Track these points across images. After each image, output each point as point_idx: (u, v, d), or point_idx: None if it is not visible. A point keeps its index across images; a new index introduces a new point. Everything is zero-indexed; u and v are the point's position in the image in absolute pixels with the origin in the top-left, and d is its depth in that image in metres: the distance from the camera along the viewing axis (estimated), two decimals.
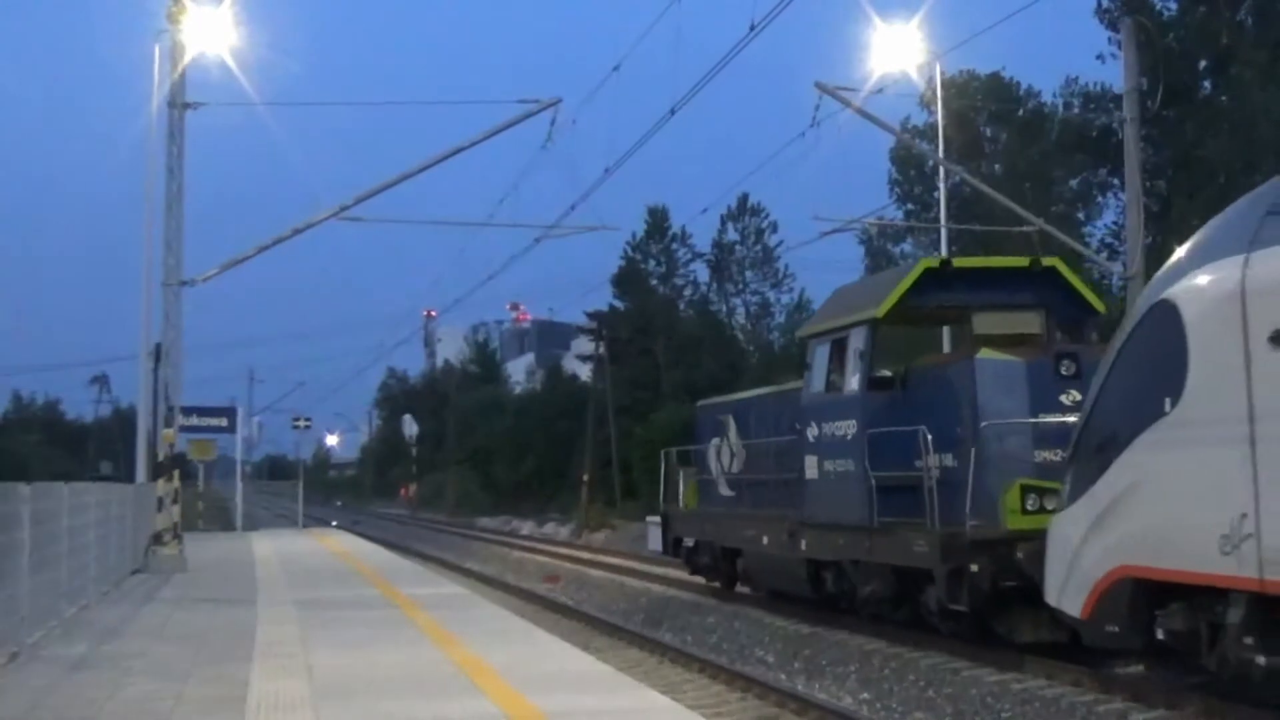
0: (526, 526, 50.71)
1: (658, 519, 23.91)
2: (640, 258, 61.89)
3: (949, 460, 13.40)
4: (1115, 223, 36.26)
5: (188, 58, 21.36)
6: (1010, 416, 12.98)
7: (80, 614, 13.37)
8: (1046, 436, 12.70)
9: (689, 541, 21.24)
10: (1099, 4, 35.32)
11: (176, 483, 21.34)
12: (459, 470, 75.10)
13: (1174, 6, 34.70)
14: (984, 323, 14.44)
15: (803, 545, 16.06)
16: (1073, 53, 42.21)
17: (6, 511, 10.05)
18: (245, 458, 54.88)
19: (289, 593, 16.05)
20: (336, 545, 28.58)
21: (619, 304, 61.00)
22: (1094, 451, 10.37)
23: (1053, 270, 14.81)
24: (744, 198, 59.23)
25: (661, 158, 44.38)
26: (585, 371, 63.23)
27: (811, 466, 15.65)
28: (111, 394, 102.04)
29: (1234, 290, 8.74)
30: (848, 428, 14.76)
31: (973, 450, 12.88)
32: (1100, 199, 39.14)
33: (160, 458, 21.50)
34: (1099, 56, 35.29)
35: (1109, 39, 34.13)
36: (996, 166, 39.73)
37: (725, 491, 19.90)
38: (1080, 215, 38.93)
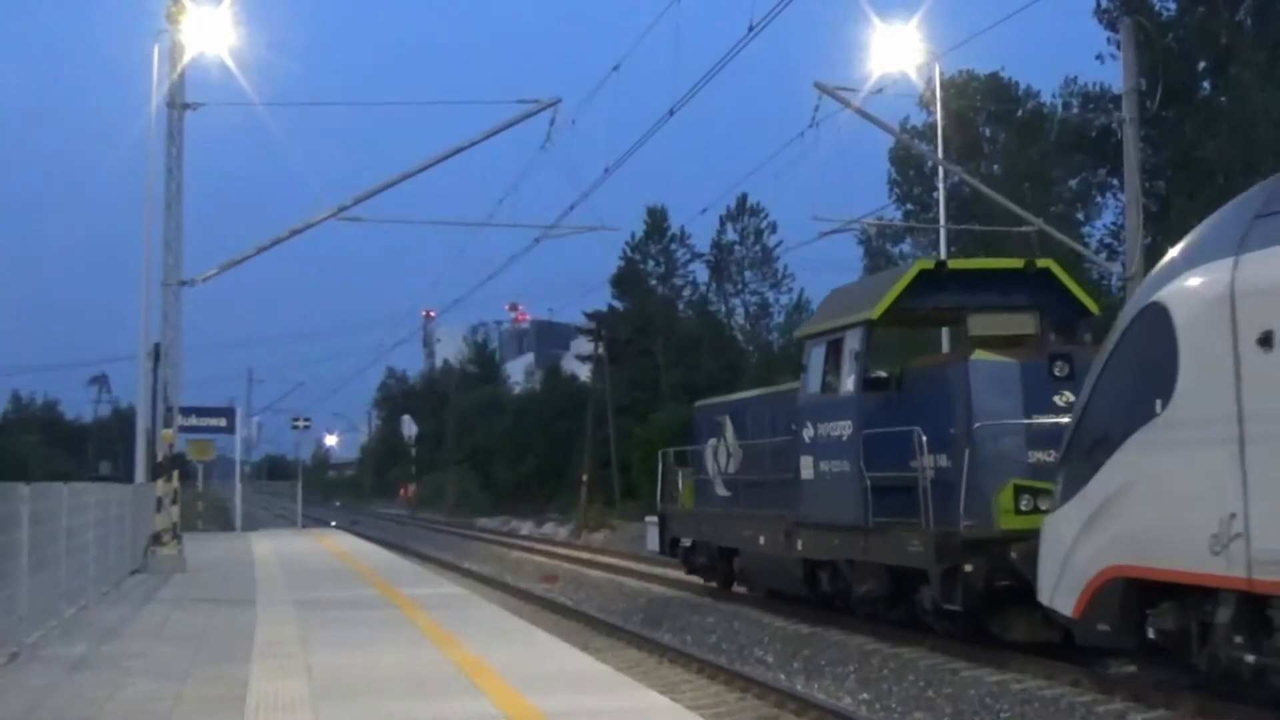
0: (525, 526, 50.71)
1: (656, 519, 23.94)
2: (639, 258, 61.90)
3: (943, 461, 13.46)
4: (1114, 223, 36.35)
5: (187, 58, 21.37)
6: (1004, 417, 13.06)
7: (79, 614, 13.37)
8: (1040, 437, 12.77)
9: (686, 541, 21.31)
10: (1098, 4, 35.40)
11: (176, 483, 21.34)
12: (458, 470, 75.11)
13: (1173, 7, 34.75)
14: (979, 324, 14.50)
15: (799, 545, 16.12)
16: (1072, 53, 42.23)
17: (6, 511, 10.05)
18: (244, 458, 54.97)
19: (288, 593, 16.05)
20: (335, 545, 28.58)
21: (618, 304, 61.03)
22: (1086, 452, 10.46)
23: (1047, 272, 14.90)
24: (743, 198, 59.33)
25: (661, 158, 44.37)
26: (584, 372, 63.25)
27: (807, 467, 15.73)
28: (111, 394, 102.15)
29: (1223, 293, 8.83)
30: (843, 428, 14.83)
31: (967, 451, 12.98)
32: (1099, 199, 39.25)
33: (159, 458, 21.50)
34: (1098, 57, 35.39)
35: (1108, 39, 34.22)
36: (995, 167, 39.77)
37: (722, 492, 19.96)
38: (1079, 215, 39.01)
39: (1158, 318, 9.55)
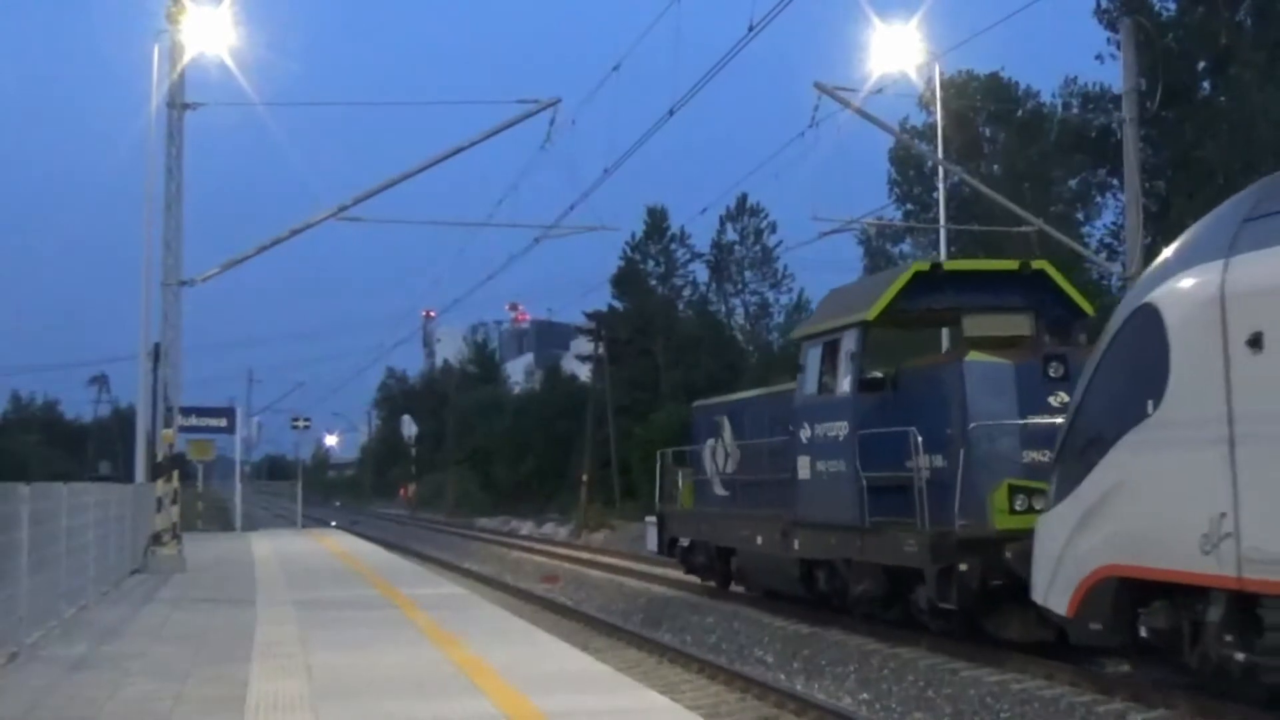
0: (525, 527, 50.71)
1: (655, 519, 23.97)
2: (639, 258, 61.90)
3: (939, 461, 13.54)
4: (1114, 223, 36.35)
5: (187, 58, 21.36)
6: (999, 418, 13.14)
7: (79, 614, 13.37)
8: (1034, 437, 12.85)
9: (684, 541, 21.39)
10: (1098, 4, 35.41)
11: (175, 483, 21.34)
12: (458, 470, 75.10)
13: (1173, 7, 34.75)
14: (974, 325, 14.60)
15: (796, 545, 16.20)
16: (1072, 53, 42.28)
17: (5, 512, 10.05)
18: (244, 458, 54.94)
19: (288, 593, 16.05)
20: (335, 545, 28.58)
21: (618, 304, 61.03)
22: (1079, 452, 10.56)
23: (1042, 273, 14.99)
24: (743, 198, 59.34)
25: (661, 158, 44.37)
26: (584, 372, 63.24)
27: (804, 467, 15.81)
28: (111, 394, 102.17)
29: (1213, 295, 8.95)
30: (839, 429, 14.91)
31: (962, 451, 13.05)
32: (1099, 199, 39.26)
33: (159, 458, 21.49)
34: (1098, 57, 35.40)
35: (1108, 39, 34.23)
36: (995, 167, 39.78)
37: (720, 491, 20.05)
38: (1079, 215, 39.03)
39: (1150, 319, 9.67)
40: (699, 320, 59.50)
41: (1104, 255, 33.02)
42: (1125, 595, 9.98)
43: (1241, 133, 30.22)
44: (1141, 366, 9.71)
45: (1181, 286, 9.42)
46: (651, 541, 22.89)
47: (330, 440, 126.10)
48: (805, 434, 15.80)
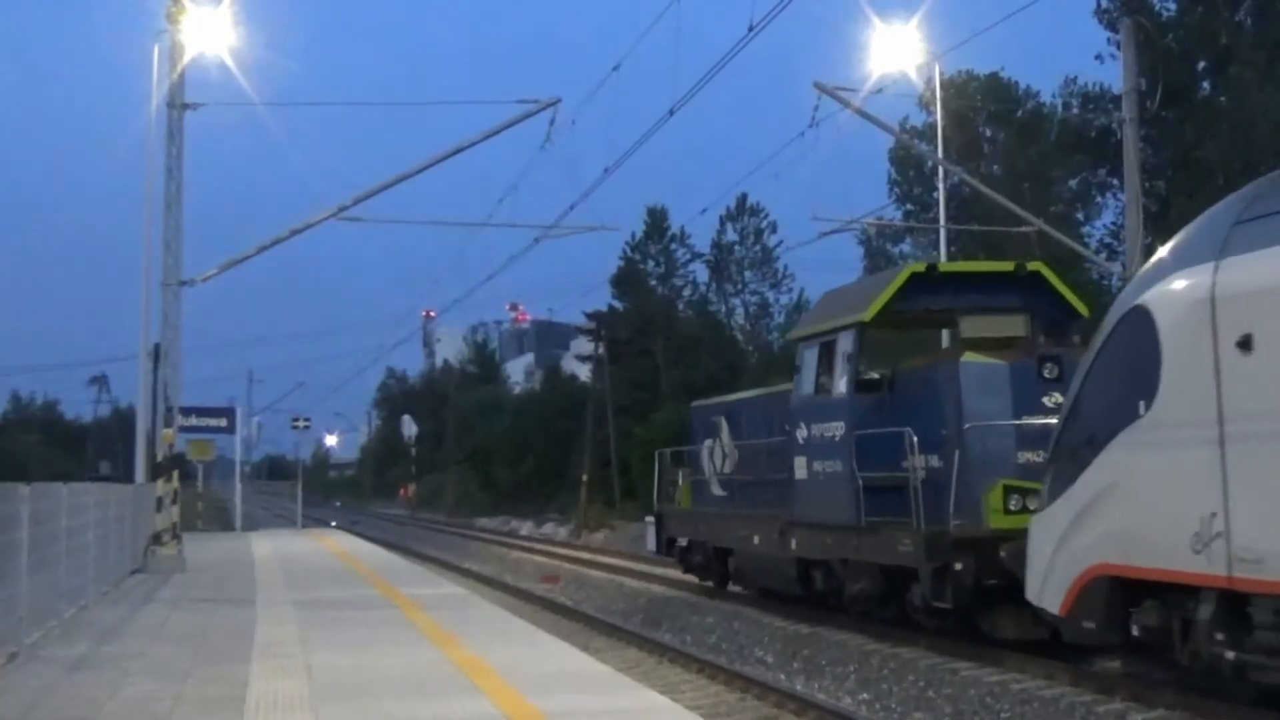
0: (525, 527, 50.71)
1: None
2: (639, 258, 61.90)
3: (934, 461, 13.63)
4: (1114, 223, 36.32)
5: (187, 58, 21.36)
6: (994, 418, 13.22)
7: (79, 614, 13.37)
8: (1029, 438, 12.94)
9: (682, 541, 21.49)
10: (1098, 4, 35.38)
11: (175, 483, 21.33)
12: (458, 470, 75.09)
13: (1173, 7, 34.73)
14: (970, 326, 14.71)
15: (792, 544, 16.29)
16: (1072, 53, 42.24)
17: (5, 512, 10.05)
18: (244, 458, 54.95)
19: (288, 593, 16.05)
20: (335, 545, 28.58)
21: (618, 304, 61.02)
22: (1072, 452, 10.67)
23: (1037, 274, 15.10)
24: (743, 198, 59.34)
25: (661, 158, 44.40)
26: (584, 372, 63.23)
27: (801, 467, 15.91)
28: (110, 394, 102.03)
29: (1204, 297, 9.06)
30: (836, 429, 15.02)
31: (957, 451, 13.14)
32: (1099, 199, 39.23)
33: (159, 458, 21.49)
34: (1098, 57, 35.39)
35: (1108, 39, 34.21)
36: (995, 167, 39.75)
37: (718, 491, 20.14)
38: (1079, 215, 39.01)
39: (1141, 320, 9.79)
40: (699, 320, 59.50)
41: (1104, 255, 33.02)
42: (1117, 594, 10.09)
43: (1241, 133, 30.21)
44: (1134, 367, 9.82)
45: (1173, 288, 9.54)
46: (651, 541, 22.96)
47: (330, 440, 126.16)
48: (802, 434, 15.89)
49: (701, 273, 62.33)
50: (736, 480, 19.24)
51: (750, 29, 17.14)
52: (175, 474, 21.51)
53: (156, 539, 20.58)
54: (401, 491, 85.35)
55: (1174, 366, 9.33)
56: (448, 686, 8.75)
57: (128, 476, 38.22)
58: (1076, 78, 38.46)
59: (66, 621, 12.56)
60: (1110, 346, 10.40)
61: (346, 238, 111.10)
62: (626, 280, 61.09)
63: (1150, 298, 9.78)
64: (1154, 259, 10.48)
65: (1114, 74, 29.41)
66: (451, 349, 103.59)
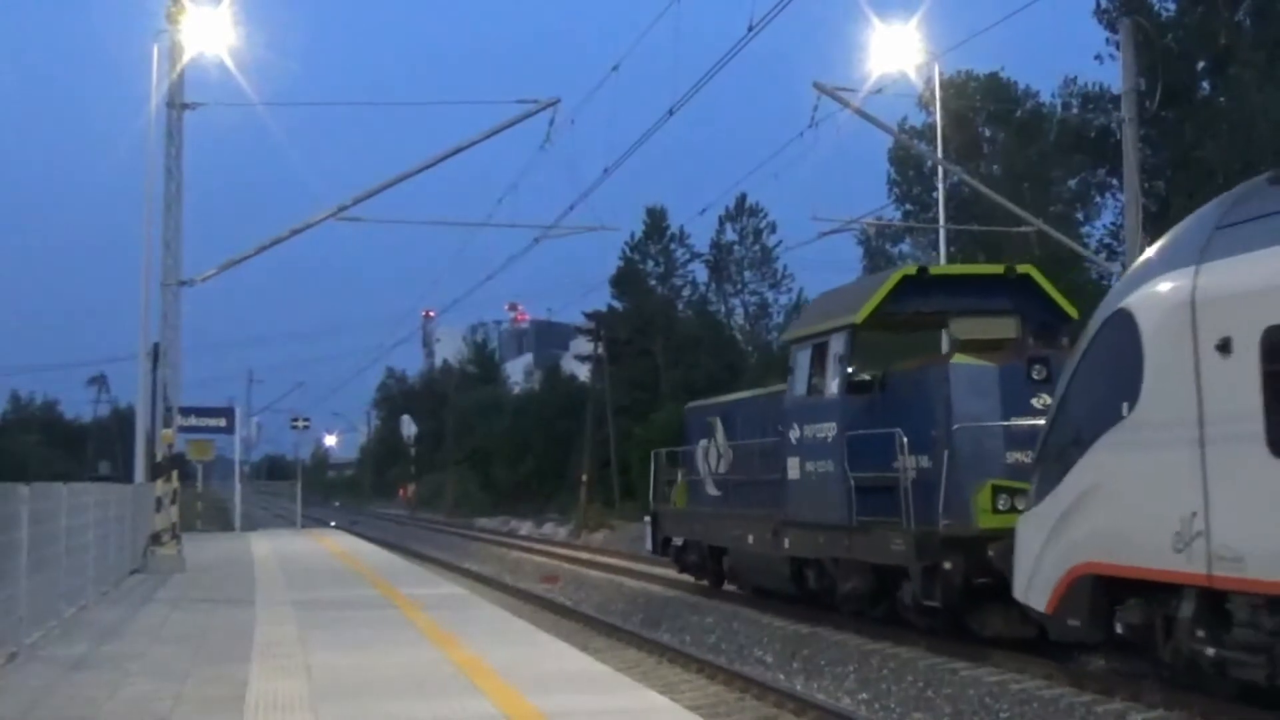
0: (525, 527, 50.70)
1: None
2: (639, 258, 61.90)
3: (924, 461, 13.77)
4: (1113, 223, 36.31)
5: (186, 58, 21.37)
6: (983, 419, 13.36)
7: (79, 614, 13.37)
8: (1018, 438, 13.05)
9: (678, 540, 21.65)
10: (1097, 4, 35.37)
11: (175, 483, 21.34)
12: (457, 470, 75.09)
13: (1172, 7, 34.73)
14: (961, 328, 14.95)
15: (786, 544, 16.48)
16: (1071, 53, 42.21)
17: (5, 512, 10.05)
18: (244, 458, 54.92)
19: (287, 593, 16.05)
20: (335, 545, 28.58)
21: (617, 304, 61.03)
22: (1058, 453, 10.85)
23: (1027, 277, 15.31)
24: (742, 198, 59.33)
25: (661, 158, 44.38)
26: (584, 372, 63.22)
27: (794, 467, 16.09)
28: (110, 394, 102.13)
29: (1185, 300, 9.26)
30: (828, 430, 15.19)
31: (946, 452, 13.28)
32: (1098, 199, 39.22)
33: (159, 458, 21.49)
34: (1097, 57, 35.37)
35: (1107, 39, 34.20)
36: (995, 167, 39.74)
37: (713, 492, 20.35)
38: (1079, 215, 39.00)
39: (1125, 323, 9.97)
40: (698, 320, 59.51)
41: (1103, 255, 32.99)
42: (1102, 592, 10.29)
43: (1241, 133, 30.20)
44: (1117, 369, 10.00)
45: (1155, 292, 9.73)
46: (650, 541, 23.06)
47: (330, 440, 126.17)
48: (795, 435, 16.08)
49: (701, 273, 62.47)
50: (731, 480, 19.45)
51: (750, 29, 17.17)
52: (174, 474, 21.52)
53: (156, 539, 20.58)
54: (401, 491, 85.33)
55: (1156, 369, 9.52)
56: (447, 686, 8.75)
57: (127, 476, 38.21)
58: (1076, 78, 38.47)
59: (66, 621, 12.56)
60: (1095, 348, 10.58)
61: (346, 238, 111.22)
62: (626, 280, 61.09)
63: (1133, 301, 9.97)
64: (1139, 261, 10.69)
65: (1113, 74, 29.41)
66: (451, 349, 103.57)
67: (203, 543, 27.33)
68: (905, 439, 13.71)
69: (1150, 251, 10.51)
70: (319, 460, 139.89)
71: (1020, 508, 11.98)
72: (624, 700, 8.32)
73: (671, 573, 22.95)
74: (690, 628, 17.08)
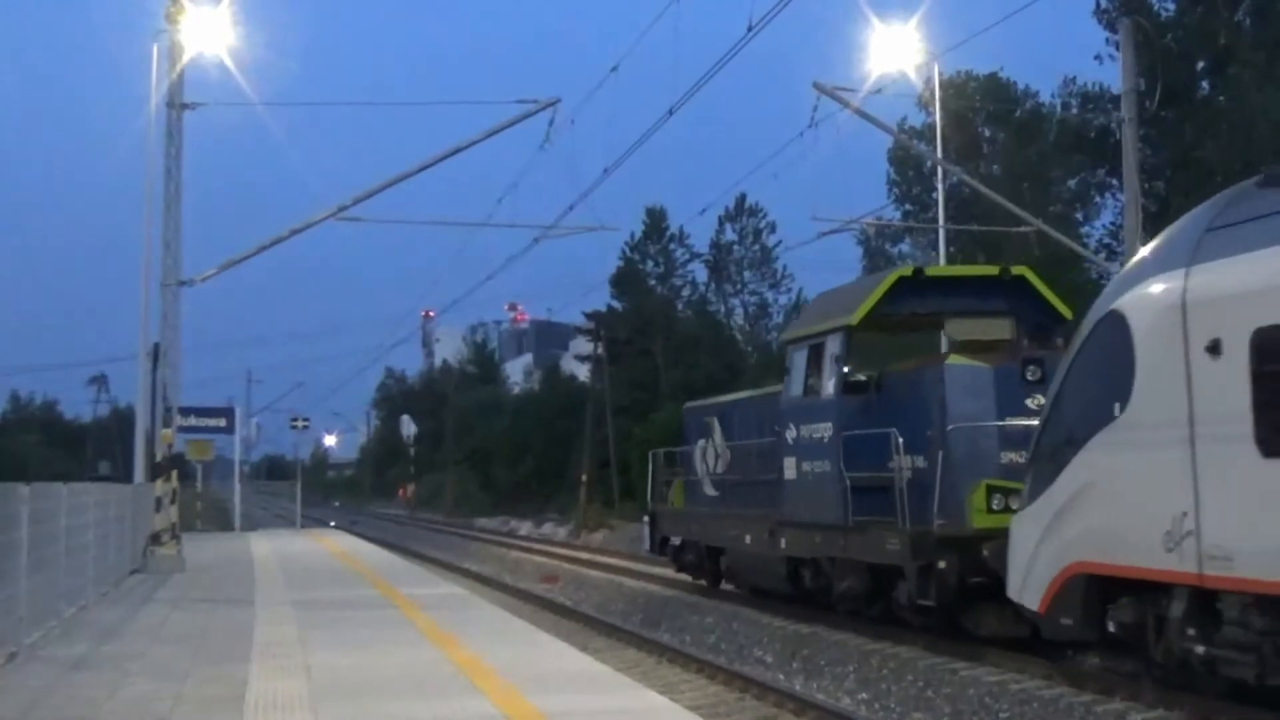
0: (525, 527, 50.70)
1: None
2: (638, 258, 61.90)
3: (919, 461, 13.84)
4: (1113, 223, 36.30)
5: (186, 58, 21.37)
6: (978, 420, 13.42)
7: (79, 614, 13.37)
8: (1012, 439, 13.13)
9: (675, 540, 21.73)
10: (1097, 4, 35.37)
11: (175, 483, 21.34)
12: (457, 470, 75.08)
13: (1172, 7, 34.72)
14: (956, 329, 15.08)
15: (782, 543, 16.56)
16: (1071, 53, 42.24)
17: (5, 512, 10.05)
18: (243, 458, 54.87)
19: (287, 593, 16.05)
20: (335, 545, 28.58)
21: (617, 304, 61.03)
22: (1051, 453, 10.94)
23: (1022, 279, 15.42)
24: (742, 198, 59.33)
25: (660, 158, 44.37)
26: (583, 372, 63.21)
27: (790, 467, 16.17)
28: (110, 394, 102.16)
29: (1175, 303, 9.37)
30: (824, 430, 15.26)
31: (941, 452, 13.34)
32: (1098, 199, 39.22)
33: (158, 458, 21.49)
34: (1097, 57, 35.37)
35: (1107, 39, 34.21)
36: (995, 167, 39.74)
37: (710, 492, 20.44)
38: (1078, 215, 38.99)
39: (1117, 325, 10.08)
40: (698, 320, 59.50)
41: (1103, 255, 32.99)
42: (1094, 591, 10.38)
43: (1241, 133, 30.20)
44: (1109, 370, 10.09)
45: (1146, 293, 9.83)
46: (649, 541, 23.12)
47: (329, 440, 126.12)
48: (791, 435, 16.15)
49: (701, 273, 62.48)
50: (728, 480, 19.53)
51: (749, 29, 17.17)
52: (174, 474, 21.52)
53: (155, 539, 20.58)
54: (400, 491, 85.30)
55: (1147, 369, 9.62)
56: (447, 686, 8.75)
57: (127, 476, 38.21)
58: (1075, 78, 38.46)
59: (66, 621, 12.56)
60: (1087, 349, 10.68)
61: (346, 238, 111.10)
62: (626, 280, 61.08)
63: (1125, 302, 10.07)
64: (1132, 262, 10.83)
65: (1113, 74, 29.42)
66: (451, 349, 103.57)
67: (202, 543, 27.33)
68: (900, 439, 13.79)
69: (1142, 253, 10.63)
70: (319, 460, 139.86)
71: (1014, 507, 12.06)
72: (624, 700, 8.33)
73: (671, 572, 22.96)
74: (690, 628, 17.09)
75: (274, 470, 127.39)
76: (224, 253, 22.35)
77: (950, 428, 13.37)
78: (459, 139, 22.32)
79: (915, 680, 12.27)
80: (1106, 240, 36.72)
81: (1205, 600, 9.25)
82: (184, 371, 23.54)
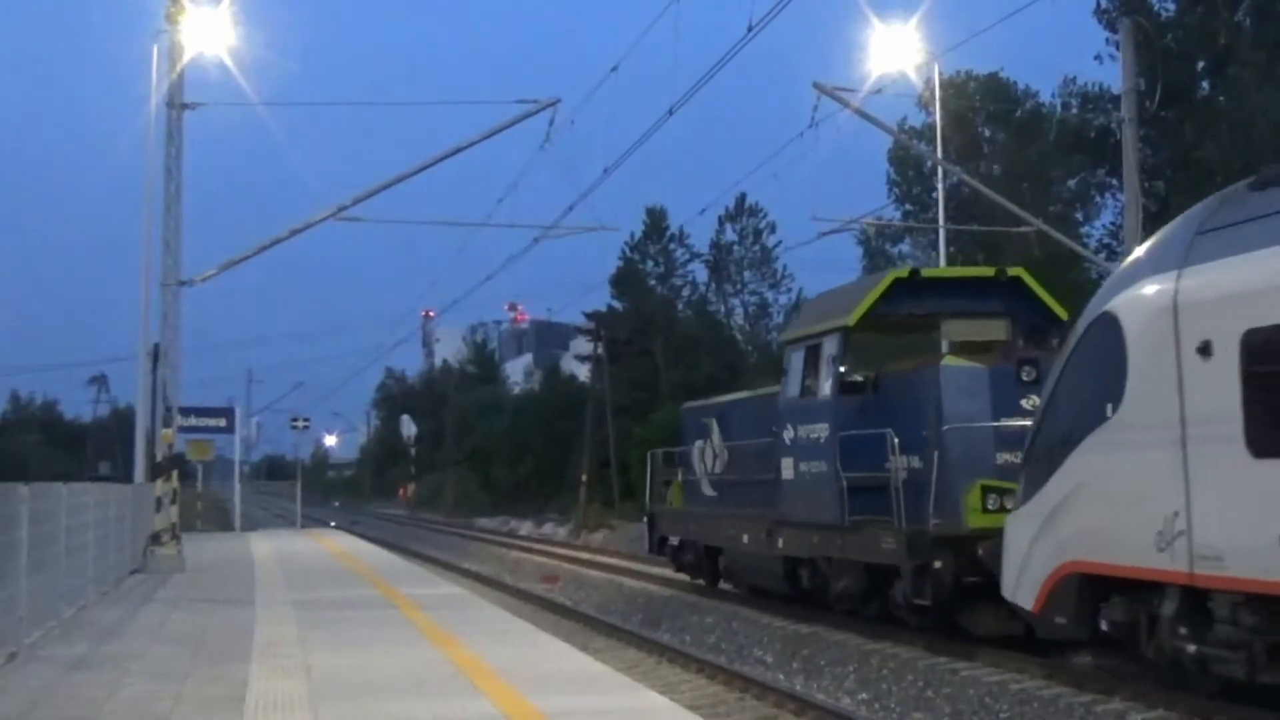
0: (525, 527, 50.70)
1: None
2: (639, 258, 61.87)
3: (915, 462, 13.90)
4: (1113, 223, 36.30)
5: (186, 58, 21.36)
6: (973, 420, 13.51)
7: (79, 614, 13.37)
8: (1007, 439, 13.18)
9: (674, 540, 21.81)
10: (1097, 4, 35.35)
11: (175, 483, 21.33)
12: (457, 470, 75.08)
13: (1172, 7, 34.71)
14: (952, 330, 15.16)
15: (780, 543, 16.62)
16: (1071, 53, 42.20)
17: (5, 512, 10.05)
18: (243, 458, 54.91)
19: (287, 593, 16.05)
20: (335, 545, 28.58)
21: (617, 304, 61.01)
22: (1045, 453, 11.03)
23: (1018, 280, 15.49)
24: (742, 198, 59.32)
25: (660, 158, 44.39)
26: (584, 372, 63.21)
27: (788, 467, 16.24)
28: (110, 394, 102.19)
29: (1167, 304, 9.46)
30: (821, 430, 15.33)
31: (937, 452, 13.40)
32: (1098, 199, 39.21)
33: (159, 458, 21.49)
34: (1097, 57, 35.36)
35: (1107, 39, 34.19)
36: (995, 167, 39.73)
37: (708, 492, 20.52)
38: (1078, 215, 38.99)
39: (1109, 326, 10.18)
40: (698, 320, 59.49)
41: (1103, 255, 32.97)
42: (1087, 591, 10.46)
43: (1241, 133, 30.20)
44: (1102, 371, 10.17)
45: (1139, 295, 9.92)
46: (648, 541, 23.18)
47: (329, 440, 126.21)
48: (789, 435, 16.22)
49: (701, 273, 62.46)
50: (726, 480, 19.62)
51: (750, 29, 17.17)
52: (174, 474, 21.52)
53: (155, 539, 20.57)
54: (401, 491, 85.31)
55: (1139, 371, 9.70)
56: (447, 686, 8.75)
57: (127, 476, 38.20)
58: (1075, 78, 38.43)
59: (66, 621, 12.56)
60: (1081, 350, 10.75)
61: (346, 238, 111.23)
62: (626, 280, 61.07)
63: (1118, 304, 10.15)
64: (1125, 264, 10.93)
65: (1113, 74, 29.44)
66: (451, 349, 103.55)
67: (202, 543, 27.33)
68: (897, 439, 13.86)
69: (1135, 255, 10.72)
70: (319, 460, 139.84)
71: (1009, 507, 12.13)
72: (624, 700, 8.33)
73: (671, 572, 22.97)
74: (690, 628, 17.09)
75: (274, 470, 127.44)
76: (224, 253, 22.36)
77: (946, 428, 13.44)
78: (459, 139, 22.34)
79: (915, 680, 12.27)
80: (1106, 240, 36.73)
81: (1196, 599, 9.34)
82: (184, 371, 23.57)
